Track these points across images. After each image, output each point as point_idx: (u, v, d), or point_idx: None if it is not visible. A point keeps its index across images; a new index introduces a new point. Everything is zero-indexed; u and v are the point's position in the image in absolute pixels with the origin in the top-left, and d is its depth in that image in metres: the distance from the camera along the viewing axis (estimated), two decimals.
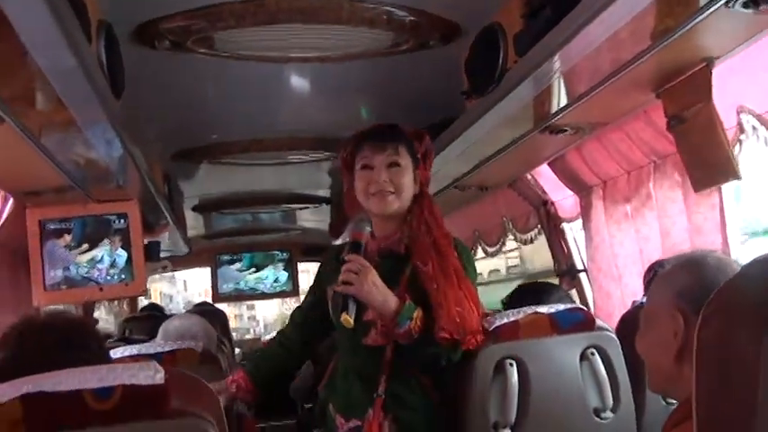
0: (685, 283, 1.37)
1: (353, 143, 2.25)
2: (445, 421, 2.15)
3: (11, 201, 3.07)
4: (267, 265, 6.67)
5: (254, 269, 6.64)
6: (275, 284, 6.66)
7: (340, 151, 2.32)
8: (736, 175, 2.13)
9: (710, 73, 2.07)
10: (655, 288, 1.47)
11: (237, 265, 6.63)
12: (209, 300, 6.72)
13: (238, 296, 6.93)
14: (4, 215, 3.12)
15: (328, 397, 2.32)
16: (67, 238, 3.14)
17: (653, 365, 1.46)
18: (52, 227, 3.13)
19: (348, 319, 2.01)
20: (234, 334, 7.46)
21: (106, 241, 3.17)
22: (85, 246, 3.16)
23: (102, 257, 3.17)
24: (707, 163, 2.18)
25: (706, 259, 1.40)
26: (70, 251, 3.14)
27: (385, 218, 2.22)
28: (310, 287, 2.46)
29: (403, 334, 2.03)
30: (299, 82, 2.87)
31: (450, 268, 2.09)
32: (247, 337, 13.45)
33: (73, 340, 1.56)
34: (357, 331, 2.11)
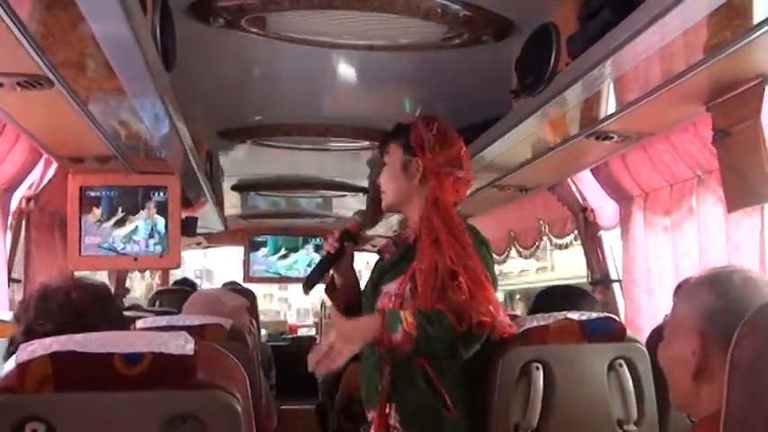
0: (708, 304, 1.34)
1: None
2: (468, 417, 2.13)
3: (54, 166, 3.12)
4: (295, 251, 6.67)
5: (281, 255, 6.66)
6: (309, 269, 6.62)
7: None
8: None
9: (763, 90, 2.03)
10: (679, 303, 1.44)
11: (264, 251, 6.64)
12: (234, 271, 6.72)
13: (270, 278, 6.96)
14: (46, 179, 3.18)
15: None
16: (97, 212, 3.18)
17: (672, 381, 1.44)
18: (92, 194, 3.17)
19: None
20: (262, 317, 7.51)
21: (144, 212, 3.20)
22: (122, 216, 3.19)
23: (138, 228, 3.20)
24: (744, 182, 2.13)
25: (732, 278, 1.36)
26: (102, 224, 3.18)
27: (405, 212, 2.33)
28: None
29: (402, 340, 1.95)
30: (346, 69, 2.88)
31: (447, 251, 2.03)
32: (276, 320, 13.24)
33: (97, 301, 1.61)
34: None
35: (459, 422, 2.11)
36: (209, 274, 16.35)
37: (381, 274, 2.26)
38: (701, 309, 1.35)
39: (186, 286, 5.34)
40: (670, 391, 1.46)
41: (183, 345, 1.25)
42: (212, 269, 17.20)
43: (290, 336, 7.80)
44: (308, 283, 2.31)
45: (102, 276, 4.54)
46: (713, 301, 1.34)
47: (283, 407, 5.01)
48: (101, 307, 1.62)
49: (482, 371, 2.12)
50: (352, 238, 2.34)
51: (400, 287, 2.12)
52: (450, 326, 1.94)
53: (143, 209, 3.20)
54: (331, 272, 2.37)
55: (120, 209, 3.19)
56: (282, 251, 6.63)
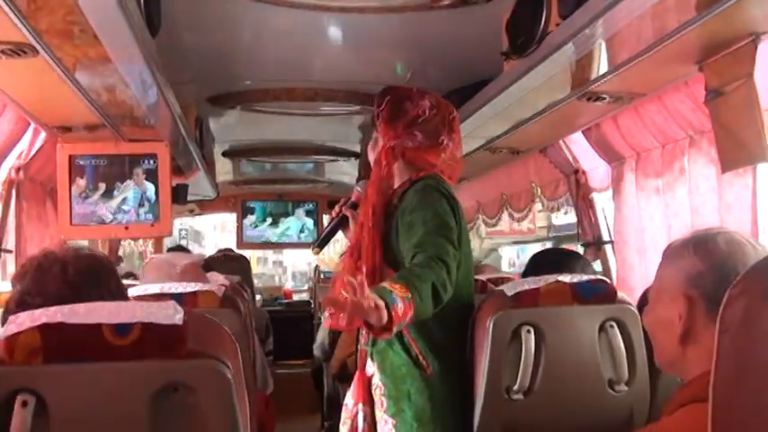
0: (693, 267, 1.34)
1: None
2: (447, 374, 2.17)
3: (42, 135, 3.09)
4: (285, 216, 6.67)
5: (271, 222, 6.65)
6: (301, 234, 6.65)
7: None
8: (766, 158, 2.07)
9: (756, 49, 2.01)
10: (663, 266, 1.44)
11: (251, 218, 6.63)
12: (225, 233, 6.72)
13: (263, 245, 6.96)
14: (35, 148, 3.15)
15: None
16: (81, 182, 3.15)
17: (657, 344, 1.45)
18: (82, 162, 3.15)
19: None
20: (256, 281, 7.52)
21: (131, 181, 3.18)
22: (106, 187, 3.18)
23: (127, 199, 3.18)
24: (738, 142, 2.11)
25: (716, 241, 1.36)
26: (89, 197, 3.16)
27: None
28: None
29: (404, 306, 1.80)
30: (336, 33, 2.85)
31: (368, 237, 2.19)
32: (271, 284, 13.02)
33: (92, 275, 1.58)
34: None
35: (436, 381, 2.15)
36: (198, 236, 15.90)
37: None
38: (685, 272, 1.35)
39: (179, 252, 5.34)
40: (655, 354, 1.47)
41: (172, 314, 1.25)
42: (201, 230, 16.53)
43: (285, 301, 7.83)
44: (316, 246, 2.56)
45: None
46: (698, 263, 1.34)
47: (279, 371, 5.05)
48: (98, 281, 1.59)
49: (473, 334, 2.13)
50: (354, 206, 2.46)
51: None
52: (420, 271, 1.95)
53: (130, 177, 3.17)
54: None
55: (103, 180, 3.16)
56: (270, 219, 6.62)
